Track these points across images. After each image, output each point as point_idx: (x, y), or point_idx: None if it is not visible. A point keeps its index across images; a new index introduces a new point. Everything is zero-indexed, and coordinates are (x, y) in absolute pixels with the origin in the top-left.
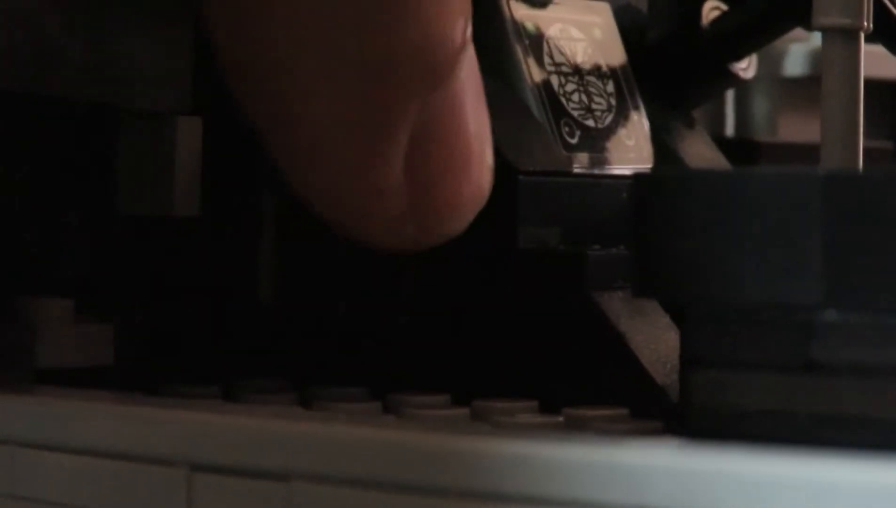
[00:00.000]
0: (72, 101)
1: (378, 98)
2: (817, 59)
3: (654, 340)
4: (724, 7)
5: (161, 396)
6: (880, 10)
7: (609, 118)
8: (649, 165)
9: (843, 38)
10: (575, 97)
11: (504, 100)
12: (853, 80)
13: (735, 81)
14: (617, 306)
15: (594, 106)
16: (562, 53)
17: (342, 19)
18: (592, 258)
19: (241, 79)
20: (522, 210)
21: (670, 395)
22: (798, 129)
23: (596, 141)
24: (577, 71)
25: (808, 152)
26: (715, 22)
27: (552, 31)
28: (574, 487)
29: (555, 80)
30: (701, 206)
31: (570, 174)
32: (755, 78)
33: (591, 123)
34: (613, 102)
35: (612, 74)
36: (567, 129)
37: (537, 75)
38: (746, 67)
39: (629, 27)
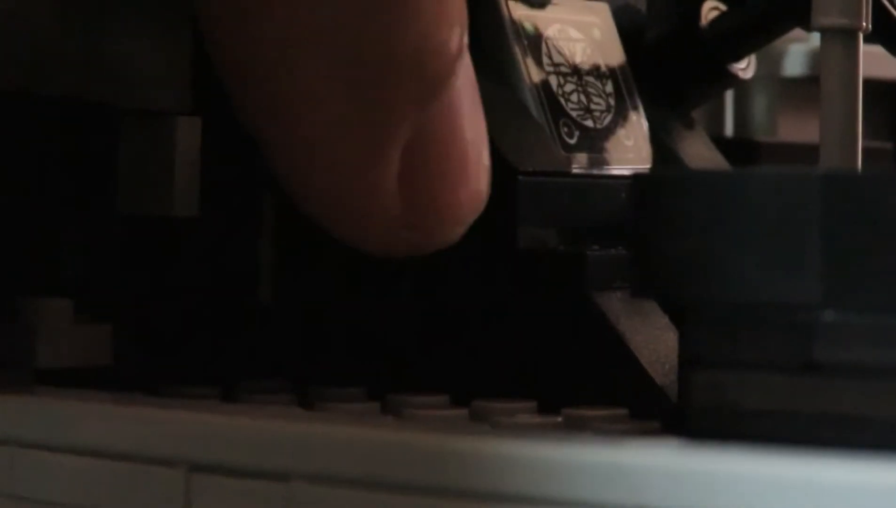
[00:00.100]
0: (71, 101)
1: (374, 104)
2: (816, 59)
3: (654, 340)
4: (724, 7)
5: (160, 396)
6: (879, 10)
7: (608, 118)
8: (648, 166)
9: (842, 39)
10: (574, 97)
11: (503, 100)
12: (852, 80)
13: (734, 81)
14: (616, 306)
15: (593, 106)
16: (560, 54)
17: (340, 23)
18: (591, 259)
19: (238, 80)
20: (522, 210)
21: (669, 395)
22: (797, 129)
23: (595, 141)
24: (575, 71)
25: (807, 152)
26: (714, 22)
27: (551, 32)
28: (573, 487)
29: (553, 80)
30: (700, 206)
31: (569, 175)
32: (754, 78)
33: (589, 123)
34: (612, 102)
35: (611, 74)
36: (566, 129)
37: (536, 76)
38: (745, 68)
39: (628, 27)
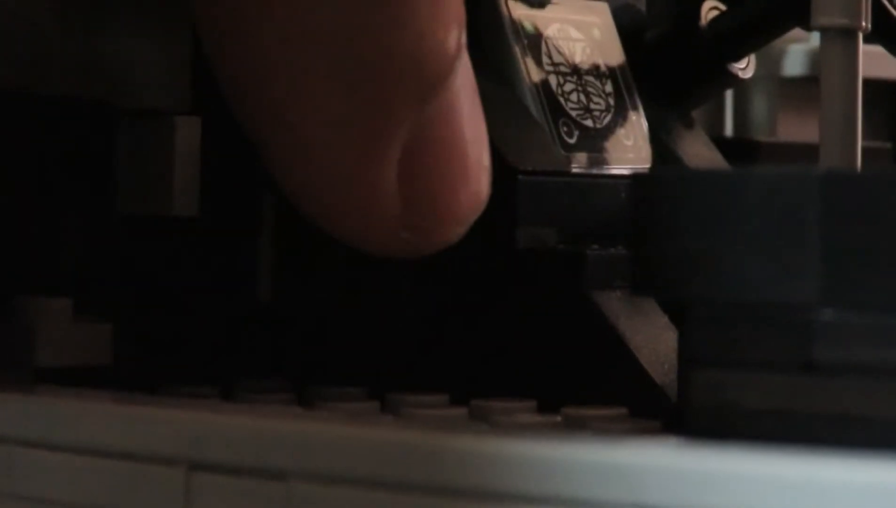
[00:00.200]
0: (70, 99)
1: (372, 104)
2: (816, 59)
3: (653, 339)
4: (723, 7)
5: (160, 395)
6: (879, 10)
7: (608, 118)
8: (648, 165)
9: (841, 38)
10: (573, 97)
11: (502, 100)
12: (852, 80)
13: (734, 80)
14: (616, 305)
15: (593, 106)
16: (560, 53)
17: (336, 23)
18: (591, 258)
19: (235, 84)
20: (521, 210)
21: (669, 395)
22: (797, 129)
23: (594, 141)
24: (575, 71)
25: (806, 152)
26: (714, 22)
27: (551, 31)
28: (573, 486)
29: (553, 79)
30: (700, 206)
31: (568, 174)
32: (754, 78)
33: (589, 122)
34: (612, 101)
35: (611, 73)
36: (566, 129)
37: (536, 75)
38: (745, 67)
39: (628, 27)
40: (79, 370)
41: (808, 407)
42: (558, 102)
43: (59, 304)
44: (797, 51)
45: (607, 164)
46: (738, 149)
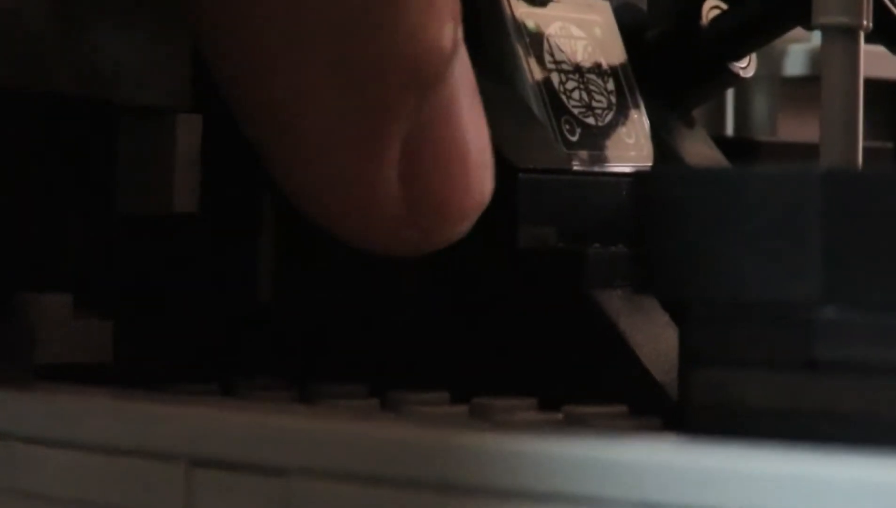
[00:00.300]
0: (70, 98)
1: (369, 102)
2: (817, 58)
3: (654, 338)
4: (724, 6)
5: (160, 392)
6: (880, 9)
7: (609, 116)
8: (649, 164)
9: (842, 37)
10: (575, 95)
11: (504, 98)
12: (853, 79)
13: (735, 80)
14: (616, 304)
15: (594, 104)
16: (562, 51)
17: (330, 22)
18: (592, 256)
19: (233, 84)
20: (522, 208)
21: (670, 393)
22: (797, 128)
23: (596, 139)
24: (577, 69)
25: (807, 152)
26: (715, 21)
27: (552, 29)
28: (573, 484)
29: (555, 77)
30: (701, 204)
31: (569, 172)
32: (755, 77)
33: (591, 120)
34: (614, 100)
35: (613, 72)
36: (568, 126)
37: (538, 73)
38: (746, 66)
39: (629, 25)
40: (79, 367)
41: (808, 406)
42: (560, 99)
43: (60, 301)
44: (798, 50)
45: (609, 162)
46: (739, 148)
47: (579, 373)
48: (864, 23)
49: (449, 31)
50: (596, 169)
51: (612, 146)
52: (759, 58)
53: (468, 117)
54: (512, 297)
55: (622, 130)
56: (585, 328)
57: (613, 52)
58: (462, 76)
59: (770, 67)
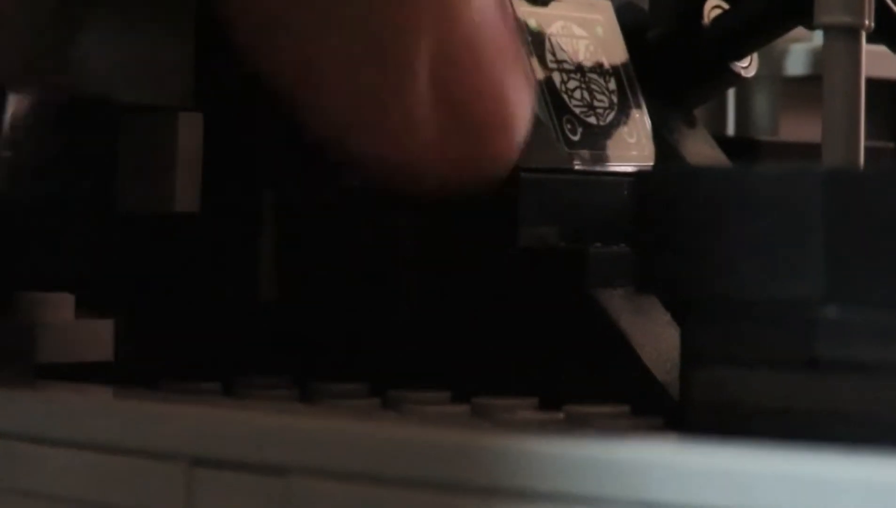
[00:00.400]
0: (72, 97)
1: (389, 30)
2: (818, 58)
3: (655, 337)
4: (726, 6)
5: (161, 391)
6: (882, 8)
7: (611, 116)
8: (651, 163)
9: (844, 37)
10: (577, 94)
11: None
12: (854, 78)
13: (736, 79)
14: (618, 303)
15: (596, 103)
16: (564, 51)
17: None
18: (593, 256)
19: (256, 28)
20: (524, 208)
21: (671, 392)
22: (799, 128)
23: (598, 138)
24: (579, 68)
25: (809, 151)
26: (716, 20)
27: (554, 29)
28: (574, 483)
29: (557, 77)
30: (703, 204)
31: (571, 171)
32: (756, 77)
33: (593, 120)
34: (615, 99)
35: (614, 71)
36: (569, 126)
37: (539, 73)
38: (747, 66)
39: (630, 25)
40: (80, 366)
41: (810, 404)
42: (562, 99)
43: (61, 300)
44: (800, 50)
45: (610, 161)
46: (741, 148)
47: (580, 372)
48: (866, 22)
49: None
50: (597, 168)
51: (613, 146)
52: (760, 57)
53: (496, 53)
54: (513, 296)
55: (624, 130)
56: (586, 328)
57: (615, 51)
58: (488, 12)
59: (771, 67)
